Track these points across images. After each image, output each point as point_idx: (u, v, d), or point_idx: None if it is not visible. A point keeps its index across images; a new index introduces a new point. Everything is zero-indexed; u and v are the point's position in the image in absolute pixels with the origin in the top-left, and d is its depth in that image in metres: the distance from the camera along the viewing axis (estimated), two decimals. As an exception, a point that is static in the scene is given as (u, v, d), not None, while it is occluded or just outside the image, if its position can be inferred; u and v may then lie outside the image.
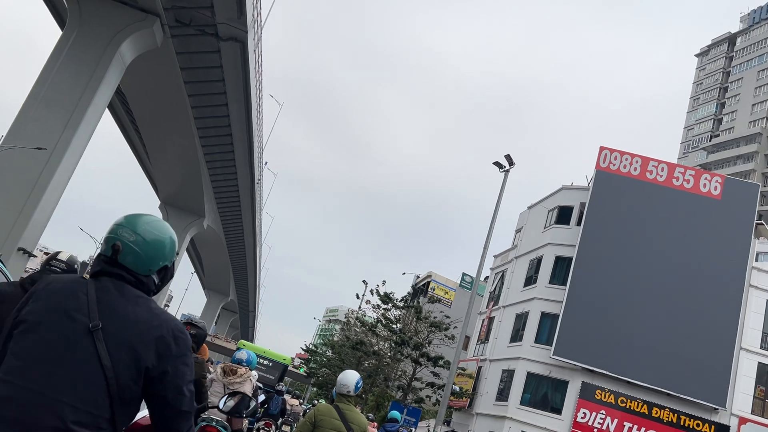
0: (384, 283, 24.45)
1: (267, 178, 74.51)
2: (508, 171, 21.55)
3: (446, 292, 46.00)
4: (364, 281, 42.35)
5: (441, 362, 24.64)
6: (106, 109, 50.74)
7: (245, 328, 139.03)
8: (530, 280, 31.36)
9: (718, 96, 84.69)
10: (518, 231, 35.20)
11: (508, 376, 29.59)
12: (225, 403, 4.56)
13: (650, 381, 27.17)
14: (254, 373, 8.28)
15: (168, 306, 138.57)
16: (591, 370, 28.11)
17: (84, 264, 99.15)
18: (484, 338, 32.42)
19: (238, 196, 60.68)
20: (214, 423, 7.00)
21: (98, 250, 2.31)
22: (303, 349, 45.22)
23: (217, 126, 45.81)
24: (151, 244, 2.19)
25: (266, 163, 59.82)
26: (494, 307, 33.23)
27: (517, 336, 30.45)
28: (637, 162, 29.73)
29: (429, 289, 47.51)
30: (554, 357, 28.29)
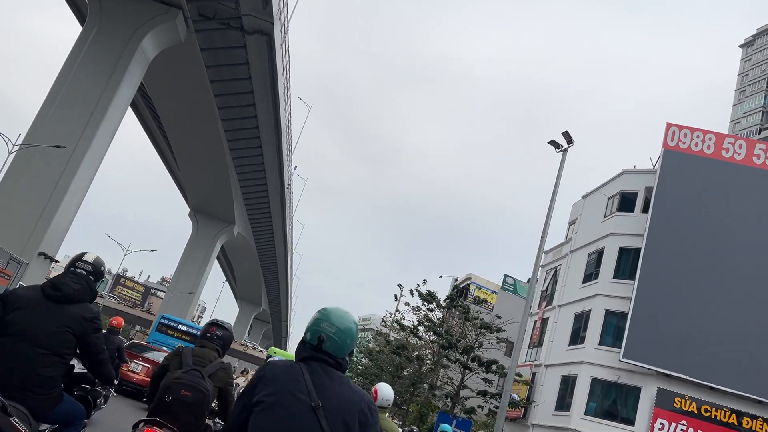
0: (425, 282, 22.39)
1: (296, 184, 73.23)
2: (566, 150, 19.32)
3: (488, 295, 43.66)
4: (399, 285, 40.45)
5: (494, 367, 22.01)
6: (131, 112, 49.99)
7: (278, 339, 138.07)
8: (590, 275, 28.38)
9: (767, 87, 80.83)
10: (572, 223, 32.22)
11: (568, 383, 26.67)
12: None
13: (738, 386, 23.96)
14: None
15: (201, 318, 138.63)
16: (667, 375, 25.01)
17: (117, 276, 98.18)
18: (537, 342, 29.71)
19: (268, 202, 59.39)
20: None
21: (303, 338, 2.78)
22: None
23: (245, 128, 44.50)
24: (345, 332, 2.72)
25: (296, 167, 58.50)
26: (547, 308, 30.48)
27: (577, 338, 27.51)
28: (710, 139, 26.65)
29: (469, 292, 45.25)
30: (624, 360, 25.26)
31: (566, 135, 18.54)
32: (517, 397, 23.44)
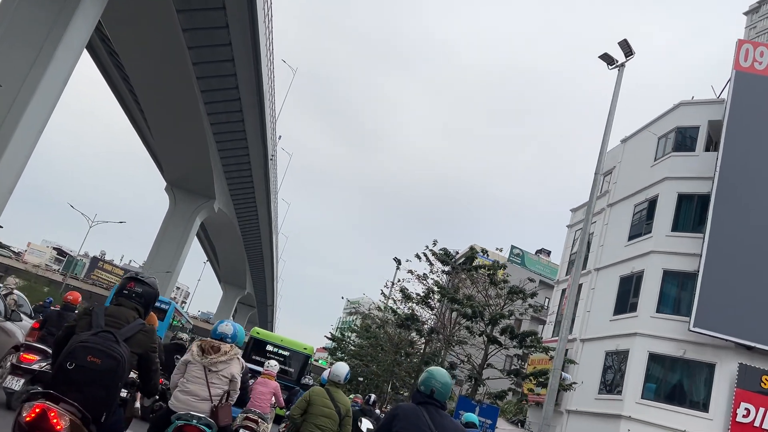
0: (435, 243, 18.71)
1: (281, 158, 69.32)
2: (623, 65, 15.73)
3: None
4: (396, 258, 36.97)
5: (530, 340, 16.78)
6: (101, 76, 45.79)
7: (263, 324, 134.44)
8: (639, 230, 23.79)
9: (772, 55, 77.79)
10: (607, 174, 27.40)
11: (616, 361, 22.12)
12: None
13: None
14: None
15: (186, 303, 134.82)
16: (749, 348, 20.49)
17: (95, 259, 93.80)
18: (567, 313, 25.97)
19: (251, 174, 55.53)
20: (194, 422, 5.42)
21: (418, 388, 4.25)
22: (328, 337, 39.85)
23: (224, 88, 40.58)
24: (447, 386, 4.18)
25: (280, 137, 54.73)
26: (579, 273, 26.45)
27: (625, 305, 22.81)
28: (796, 58, 22.09)
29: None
30: (694, 330, 20.59)
31: (624, 45, 14.89)
32: (569, 377, 19.51)
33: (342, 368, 7.05)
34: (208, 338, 6.02)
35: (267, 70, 40.02)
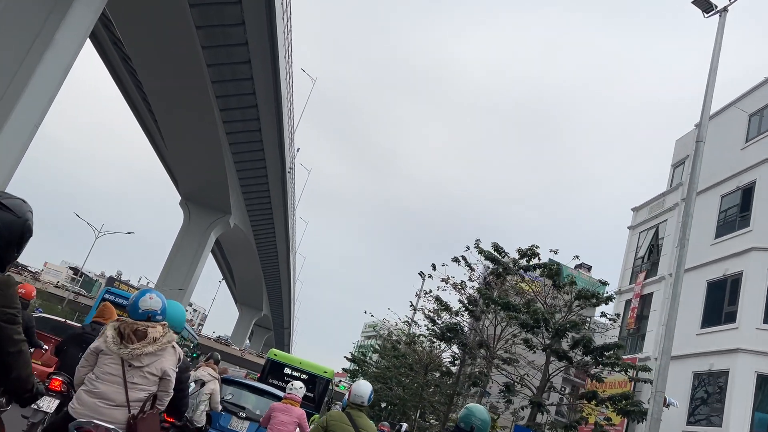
0: (478, 242, 15.92)
1: (299, 174, 67.36)
2: (725, 10, 13.12)
3: (529, 282, 37.36)
4: (421, 273, 34.33)
5: (612, 356, 12.77)
6: (114, 85, 44.15)
7: (280, 346, 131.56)
8: (731, 224, 20.18)
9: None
10: (677, 165, 24.34)
11: (710, 383, 18.27)
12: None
13: None
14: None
15: (202, 326, 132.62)
16: None
17: (111, 278, 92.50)
18: (634, 328, 21.56)
19: (268, 189, 53.42)
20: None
21: (458, 425, 4.62)
22: (347, 358, 37.18)
23: (240, 93, 38.61)
24: (486, 422, 4.56)
25: (298, 149, 52.71)
26: (649, 279, 22.05)
27: (718, 316, 19.00)
28: None
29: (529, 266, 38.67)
30: None
31: (724, -12, 12.42)
32: (675, 402, 15.70)
33: (365, 387, 6.00)
34: (129, 319, 4.33)
35: (285, 73, 38.07)
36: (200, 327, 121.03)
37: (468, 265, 16.06)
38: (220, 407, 8.96)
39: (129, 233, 46.40)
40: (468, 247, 15.48)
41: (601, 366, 11.61)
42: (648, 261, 23.12)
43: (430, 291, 19.27)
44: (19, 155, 21.58)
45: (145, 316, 4.30)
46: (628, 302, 21.85)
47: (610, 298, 14.18)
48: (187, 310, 70.10)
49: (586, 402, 12.25)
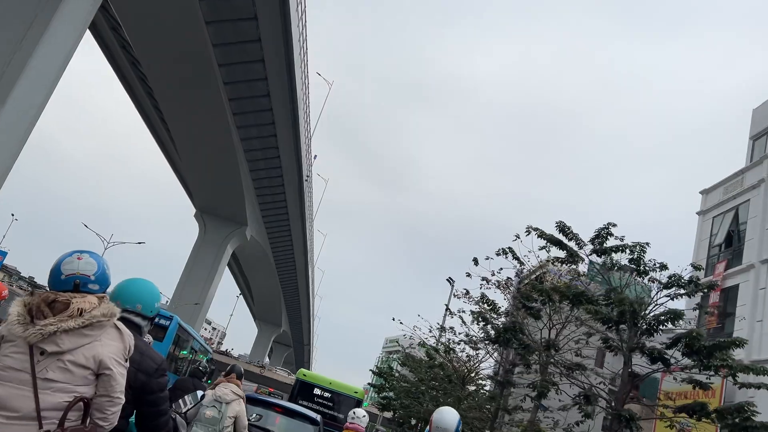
0: (528, 230, 13.51)
1: (316, 184, 65.60)
2: None
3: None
4: (449, 279, 32.18)
5: (720, 357, 9.53)
6: (127, 98, 42.73)
7: (300, 364, 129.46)
8: None
9: None
10: (757, 137, 21.58)
11: None
12: None
13: None
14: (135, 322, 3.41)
15: (221, 344, 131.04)
16: None
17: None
18: (717, 325, 18.41)
19: (285, 199, 51.64)
20: None
21: None
22: (373, 371, 35.17)
23: (255, 96, 36.91)
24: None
25: (315, 156, 50.92)
26: (732, 269, 19.16)
27: None
28: None
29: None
30: None
31: None
32: None
33: (450, 417, 4.69)
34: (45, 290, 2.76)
35: (300, 71, 36.32)
36: (219, 345, 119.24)
37: (516, 257, 13.93)
38: None
39: (140, 243, 44.59)
40: (517, 236, 13.39)
41: (711, 369, 9.34)
42: (728, 249, 20.32)
43: (468, 292, 17.13)
44: (17, 148, 19.91)
45: (70, 283, 2.71)
46: (704, 296, 19.05)
47: (712, 286, 11.76)
48: (205, 329, 69.48)
49: (686, 417, 9.92)
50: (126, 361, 2.76)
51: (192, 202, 52.45)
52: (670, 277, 10.23)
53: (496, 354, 19.90)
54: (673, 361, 9.73)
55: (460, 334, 19.29)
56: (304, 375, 19.68)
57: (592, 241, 11.11)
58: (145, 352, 3.21)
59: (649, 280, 10.70)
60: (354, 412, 8.08)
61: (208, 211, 51.52)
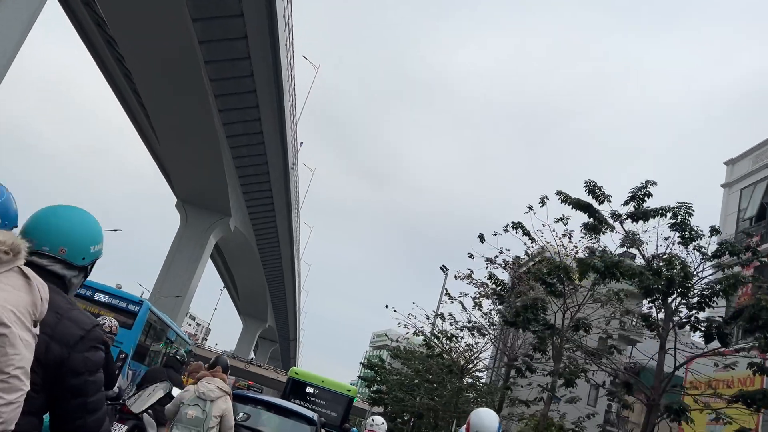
0: (546, 199, 11.90)
1: (302, 175, 63.88)
2: None
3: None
4: (443, 267, 30.72)
5: None
6: (101, 76, 40.71)
7: (286, 359, 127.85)
8: None
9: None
10: None
11: None
12: None
13: None
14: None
15: (206, 340, 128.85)
16: None
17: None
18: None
19: (270, 188, 49.93)
20: None
21: None
22: (363, 364, 33.93)
23: (237, 76, 35.15)
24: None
25: (301, 144, 49.23)
26: (766, 245, 15.87)
27: None
28: None
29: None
30: None
31: None
32: None
33: (489, 419, 4.05)
34: None
35: (285, 50, 34.67)
36: (204, 342, 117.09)
37: (527, 233, 12.41)
38: None
39: (115, 230, 42.50)
40: (530, 208, 11.82)
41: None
42: (761, 222, 18.38)
43: (471, 274, 15.56)
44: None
45: None
46: (736, 279, 17.42)
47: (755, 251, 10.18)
48: (189, 324, 68.00)
49: (740, 405, 8.47)
50: (35, 324, 1.82)
51: (173, 192, 50.55)
52: (721, 244, 8.77)
53: (497, 342, 18.44)
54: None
55: (459, 321, 17.81)
56: (297, 373, 19.77)
57: (626, 203, 9.63)
58: (67, 314, 2.05)
59: (694, 249, 9.24)
60: (373, 419, 7.73)
61: (189, 201, 49.66)
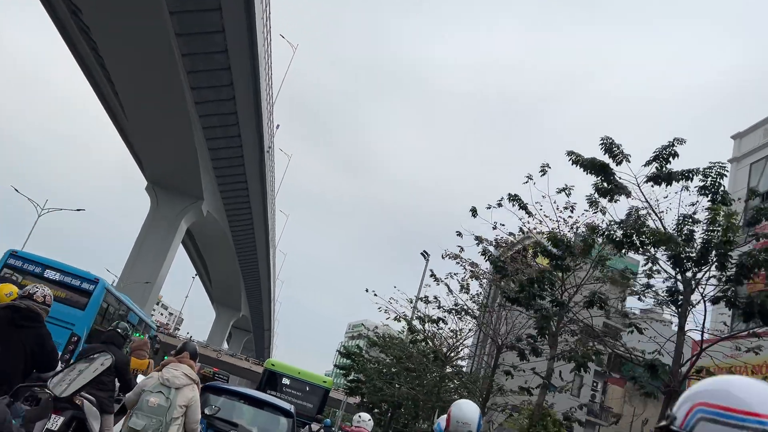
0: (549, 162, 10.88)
1: (279, 160, 62.28)
2: None
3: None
4: (424, 253, 29.68)
5: None
6: (64, 46, 38.71)
7: (260, 350, 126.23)
8: None
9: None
10: None
11: None
12: None
13: None
14: None
15: (178, 330, 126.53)
16: None
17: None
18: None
19: (244, 172, 48.35)
20: None
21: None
22: (339, 352, 33.05)
23: (211, 52, 33.57)
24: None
25: (278, 126, 47.63)
26: None
27: None
28: None
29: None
30: None
31: None
32: None
33: (470, 411, 3.92)
34: None
35: (261, 23, 33.13)
36: (176, 331, 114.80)
37: (523, 207, 11.25)
38: (198, 429, 5.74)
39: (78, 210, 40.56)
40: (529, 177, 10.66)
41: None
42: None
43: (460, 253, 14.38)
44: None
45: None
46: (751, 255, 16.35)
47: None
48: (161, 314, 66.35)
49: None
50: None
51: (143, 174, 48.68)
52: (758, 210, 7.71)
53: (484, 327, 17.39)
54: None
55: (443, 307, 16.69)
56: (273, 365, 19.91)
57: (647, 164, 8.52)
58: None
59: (723, 217, 8.16)
60: (360, 416, 7.73)
61: (160, 184, 47.86)
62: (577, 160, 8.88)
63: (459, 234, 13.86)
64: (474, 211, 11.89)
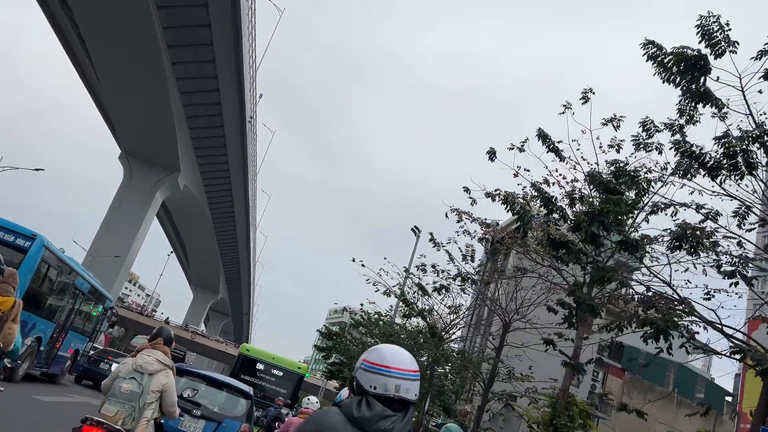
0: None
1: (261, 135, 59.70)
2: None
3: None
4: (414, 228, 27.58)
5: None
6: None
7: (239, 334, 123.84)
8: None
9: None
10: None
11: None
12: None
13: None
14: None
15: (155, 312, 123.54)
16: None
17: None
18: None
19: (225, 143, 45.93)
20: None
21: None
22: (320, 332, 31.23)
23: (188, 4, 31.05)
24: None
25: (261, 96, 45.18)
26: None
27: None
28: None
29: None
30: None
31: None
32: None
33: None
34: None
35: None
36: (153, 313, 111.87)
37: (554, 149, 9.15)
38: (177, 411, 5.66)
39: (37, 170, 37.71)
40: (567, 106, 8.55)
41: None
42: None
43: (474, 203, 12.01)
44: None
45: None
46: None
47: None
48: (138, 295, 63.47)
49: None
50: None
51: (117, 142, 46.03)
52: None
53: (489, 302, 15.40)
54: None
55: (446, 271, 14.57)
56: (248, 350, 19.98)
57: (757, 58, 6.33)
58: None
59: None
60: (309, 399, 8.32)
61: (134, 154, 45.33)
62: (655, 55, 6.53)
63: (466, 189, 11.79)
64: (492, 153, 9.78)
